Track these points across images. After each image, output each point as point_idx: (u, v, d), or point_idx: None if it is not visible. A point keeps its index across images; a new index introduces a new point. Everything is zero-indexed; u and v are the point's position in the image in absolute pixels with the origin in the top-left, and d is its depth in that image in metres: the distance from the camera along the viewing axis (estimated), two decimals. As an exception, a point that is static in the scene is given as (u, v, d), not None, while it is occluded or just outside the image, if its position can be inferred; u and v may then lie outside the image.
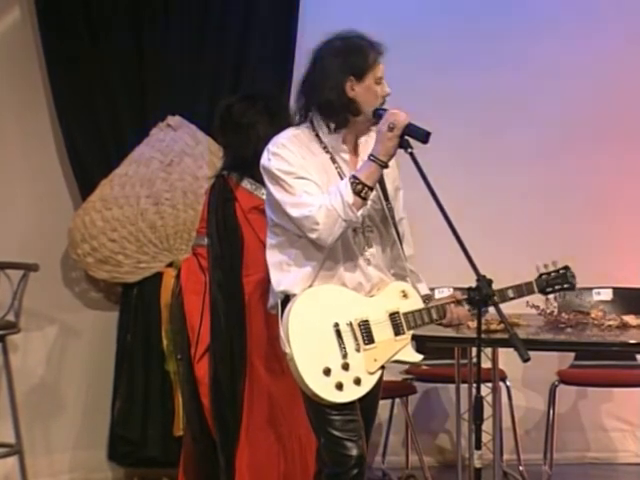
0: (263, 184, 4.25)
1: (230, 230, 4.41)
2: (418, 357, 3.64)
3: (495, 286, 3.40)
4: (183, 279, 4.62)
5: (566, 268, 3.80)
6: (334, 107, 3.55)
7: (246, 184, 4.41)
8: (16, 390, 5.25)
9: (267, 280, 3.70)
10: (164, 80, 5.59)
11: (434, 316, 3.63)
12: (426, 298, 3.69)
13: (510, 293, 3.71)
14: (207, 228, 4.49)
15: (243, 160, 4.39)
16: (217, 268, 4.43)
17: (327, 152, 3.60)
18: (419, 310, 3.61)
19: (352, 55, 3.55)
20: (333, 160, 3.60)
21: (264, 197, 4.28)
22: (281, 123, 4.19)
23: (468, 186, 5.85)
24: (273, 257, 3.64)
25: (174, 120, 5.55)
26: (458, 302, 3.65)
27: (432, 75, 5.85)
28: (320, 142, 3.60)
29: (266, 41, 5.69)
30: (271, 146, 3.59)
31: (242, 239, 4.40)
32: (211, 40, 5.64)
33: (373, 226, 3.63)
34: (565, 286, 3.79)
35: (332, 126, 3.58)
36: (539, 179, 5.98)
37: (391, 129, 3.46)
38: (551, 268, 3.78)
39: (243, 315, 4.37)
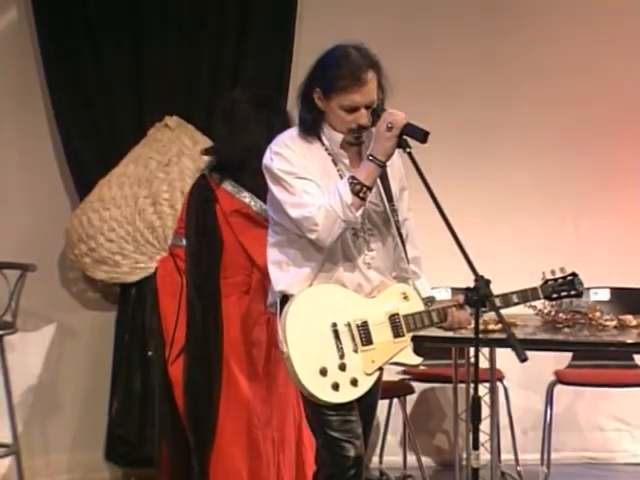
0: (244, 187, 4.32)
1: (209, 231, 4.40)
2: (417, 360, 3.63)
3: (493, 286, 3.39)
4: (159, 280, 4.60)
5: (573, 275, 3.76)
6: (302, 108, 3.59)
7: (227, 186, 4.40)
8: (13, 390, 5.25)
9: (267, 278, 3.71)
10: (162, 80, 5.59)
11: (435, 319, 3.61)
12: (428, 300, 3.68)
13: (515, 298, 3.69)
14: (185, 229, 4.48)
15: (228, 162, 4.40)
16: (194, 270, 4.42)
17: (329, 154, 3.60)
18: (419, 312, 3.60)
19: (324, 70, 3.54)
20: (335, 162, 3.60)
21: (245, 200, 4.35)
22: (274, 131, 4.21)
23: (466, 187, 5.85)
24: (273, 256, 3.64)
25: (172, 120, 5.55)
26: (460, 306, 3.64)
27: (432, 77, 5.87)
28: (322, 144, 3.60)
29: (264, 41, 5.68)
30: (274, 145, 3.59)
31: (221, 241, 4.40)
32: (209, 40, 5.64)
33: (374, 228, 3.62)
34: (572, 293, 3.77)
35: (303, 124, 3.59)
36: (536, 179, 5.98)
37: (389, 129, 3.46)
38: (558, 274, 3.76)
39: (220, 318, 4.37)
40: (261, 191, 4.14)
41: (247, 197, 4.37)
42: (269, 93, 5.16)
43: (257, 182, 4.10)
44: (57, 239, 5.55)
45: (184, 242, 4.49)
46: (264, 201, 4.20)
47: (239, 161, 4.35)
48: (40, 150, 5.63)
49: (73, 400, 5.67)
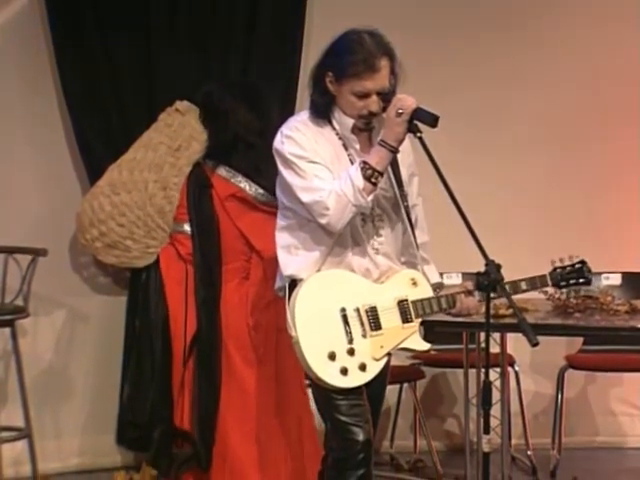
0: (239, 172, 4.36)
1: (207, 218, 4.42)
2: (425, 345, 3.63)
3: (505, 272, 3.38)
4: (163, 269, 4.59)
5: (582, 262, 3.75)
6: (313, 91, 3.59)
7: (222, 171, 4.44)
8: (25, 374, 5.26)
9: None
10: (172, 65, 5.58)
11: (443, 305, 3.61)
12: (437, 286, 3.68)
13: (523, 285, 3.68)
14: (189, 216, 4.49)
15: (222, 146, 4.43)
16: (198, 256, 4.44)
17: (340, 138, 3.60)
18: (428, 298, 3.60)
19: (337, 55, 3.52)
20: (345, 146, 3.60)
21: (240, 185, 4.38)
22: (261, 110, 4.27)
23: (478, 171, 5.84)
24: (282, 240, 3.64)
25: (182, 105, 5.54)
26: (469, 292, 3.63)
27: (444, 65, 5.86)
28: (333, 128, 3.60)
29: (276, 26, 5.67)
30: (285, 129, 3.59)
31: (218, 227, 4.40)
32: (219, 24, 5.63)
33: (383, 214, 3.62)
34: (581, 281, 3.76)
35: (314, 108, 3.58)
36: (547, 166, 5.98)
37: (399, 114, 3.46)
38: (567, 262, 3.74)
39: (219, 305, 4.39)
40: (254, 174, 4.22)
41: (242, 181, 4.41)
42: (239, 78, 5.23)
43: (249, 163, 4.21)
44: (68, 224, 5.56)
45: (185, 228, 4.52)
46: (259, 185, 4.27)
47: (231, 142, 4.38)
48: (51, 135, 5.63)
49: (84, 384, 5.69)
